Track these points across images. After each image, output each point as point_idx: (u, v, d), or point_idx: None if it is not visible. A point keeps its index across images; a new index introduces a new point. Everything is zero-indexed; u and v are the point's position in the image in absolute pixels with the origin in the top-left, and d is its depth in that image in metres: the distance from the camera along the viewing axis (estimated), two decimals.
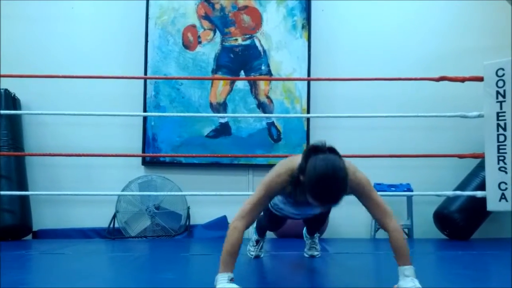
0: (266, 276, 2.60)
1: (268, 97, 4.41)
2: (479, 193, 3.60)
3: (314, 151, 1.80)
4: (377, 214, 1.99)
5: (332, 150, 1.81)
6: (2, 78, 3.95)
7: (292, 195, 2.04)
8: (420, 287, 1.84)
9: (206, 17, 4.43)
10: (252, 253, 2.88)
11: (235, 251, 1.89)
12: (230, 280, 1.85)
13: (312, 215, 2.43)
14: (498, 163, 3.44)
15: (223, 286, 1.81)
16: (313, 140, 4.36)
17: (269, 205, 2.40)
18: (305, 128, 4.38)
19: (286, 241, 3.83)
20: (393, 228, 1.95)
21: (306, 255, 2.93)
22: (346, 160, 1.95)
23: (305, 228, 2.93)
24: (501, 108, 3.46)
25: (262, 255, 2.92)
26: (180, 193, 4.14)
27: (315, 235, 2.93)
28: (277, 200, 2.27)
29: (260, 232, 2.85)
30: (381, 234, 3.89)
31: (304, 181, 1.78)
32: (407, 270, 1.89)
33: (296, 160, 1.92)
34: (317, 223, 2.75)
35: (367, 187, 1.99)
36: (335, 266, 2.79)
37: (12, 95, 4.17)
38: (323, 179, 1.71)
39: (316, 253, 2.92)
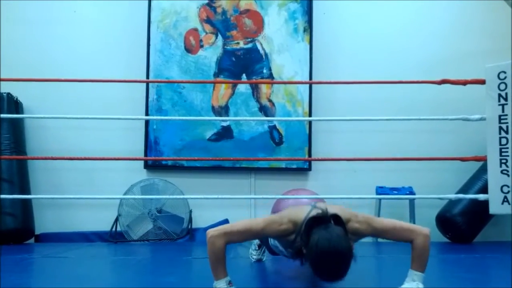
0: (268, 280, 2.60)
1: (270, 101, 4.41)
2: (481, 196, 3.58)
3: (317, 222, 1.72)
4: (401, 238, 1.92)
5: (335, 218, 1.73)
6: (4, 82, 3.96)
7: (290, 252, 1.97)
8: None
9: (208, 20, 4.44)
10: (254, 256, 2.88)
11: (221, 257, 1.86)
12: (228, 283, 1.86)
13: None
14: (500, 166, 3.43)
15: None
16: (315, 143, 4.37)
17: (269, 241, 2.40)
18: (307, 131, 4.38)
19: None
20: (422, 238, 1.91)
21: None
22: (344, 208, 1.88)
23: None
24: (503, 111, 3.45)
25: (264, 259, 2.91)
26: (182, 196, 4.13)
27: None
28: (277, 243, 2.20)
29: None
30: None
31: (306, 255, 1.72)
32: (417, 276, 1.88)
33: (302, 213, 1.83)
34: None
35: (372, 223, 1.90)
36: None
37: (15, 98, 4.18)
38: (325, 260, 1.65)
39: None
